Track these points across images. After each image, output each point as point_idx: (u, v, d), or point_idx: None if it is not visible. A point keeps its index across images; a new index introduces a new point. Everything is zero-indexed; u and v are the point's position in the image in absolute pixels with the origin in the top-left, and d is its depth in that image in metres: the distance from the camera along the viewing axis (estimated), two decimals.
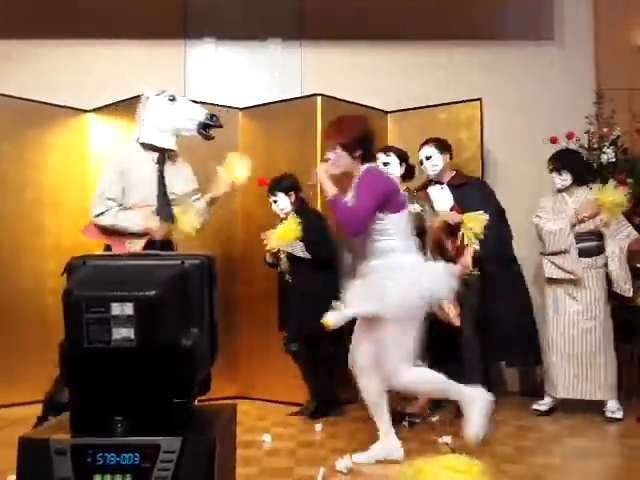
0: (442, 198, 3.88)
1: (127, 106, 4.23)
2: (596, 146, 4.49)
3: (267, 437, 3.36)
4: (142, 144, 3.54)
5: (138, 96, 4.10)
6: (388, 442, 2.99)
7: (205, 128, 3.51)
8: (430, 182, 4.03)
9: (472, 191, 3.98)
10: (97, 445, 1.58)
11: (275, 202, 3.95)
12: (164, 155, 3.54)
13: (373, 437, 3.11)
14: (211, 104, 4.49)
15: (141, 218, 3.41)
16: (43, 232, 4.32)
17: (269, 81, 4.95)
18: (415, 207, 3.68)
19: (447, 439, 3.30)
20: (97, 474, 1.57)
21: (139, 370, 1.57)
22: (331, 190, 2.91)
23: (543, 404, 4.00)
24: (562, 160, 3.97)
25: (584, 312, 3.87)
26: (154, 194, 3.45)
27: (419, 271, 2.89)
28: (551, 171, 3.99)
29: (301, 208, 3.94)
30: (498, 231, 3.93)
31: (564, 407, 3.97)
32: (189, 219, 3.47)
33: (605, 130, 4.50)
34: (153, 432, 1.59)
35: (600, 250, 3.91)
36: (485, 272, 3.86)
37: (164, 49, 4.87)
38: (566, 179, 3.95)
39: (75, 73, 4.72)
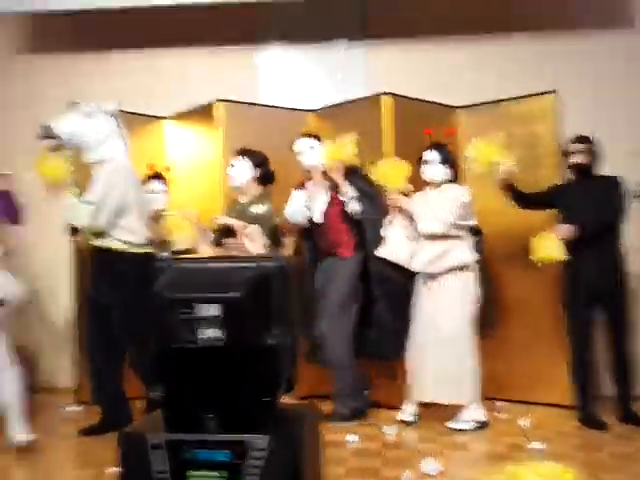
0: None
1: (201, 112, 4.39)
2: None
3: (353, 437, 3.36)
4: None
5: (212, 102, 4.24)
6: None
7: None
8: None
9: None
10: (190, 441, 1.64)
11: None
12: None
13: (458, 439, 3.06)
14: (280, 107, 4.57)
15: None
16: None
17: (334, 82, 4.95)
18: None
19: (538, 444, 3.20)
20: (190, 469, 1.64)
21: (226, 369, 1.62)
22: None
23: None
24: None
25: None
26: None
27: None
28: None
29: None
30: None
31: None
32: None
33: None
34: (242, 430, 1.64)
35: None
36: None
37: (235, 55, 4.97)
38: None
39: (148, 81, 4.88)
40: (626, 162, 4.24)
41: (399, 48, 4.86)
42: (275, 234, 3.72)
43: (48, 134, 3.43)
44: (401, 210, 3.70)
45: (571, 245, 3.53)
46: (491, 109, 4.43)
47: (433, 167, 3.73)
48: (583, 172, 3.73)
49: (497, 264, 4.15)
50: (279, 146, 3.95)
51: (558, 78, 4.50)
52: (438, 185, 3.76)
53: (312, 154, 3.86)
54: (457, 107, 4.56)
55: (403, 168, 3.67)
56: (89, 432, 3.48)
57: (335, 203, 3.83)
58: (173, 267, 1.69)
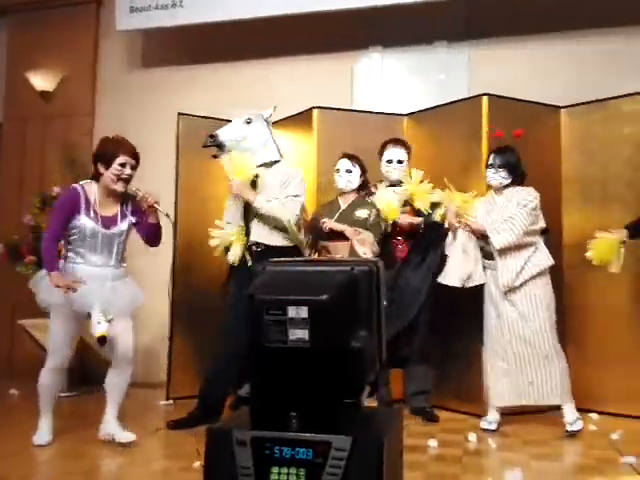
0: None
1: (299, 119, 4.47)
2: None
3: (433, 442, 3.34)
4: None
5: (309, 109, 4.32)
6: None
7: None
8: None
9: None
10: (274, 438, 1.69)
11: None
12: None
13: (543, 448, 2.97)
14: (377, 113, 4.59)
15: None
16: None
17: (436, 85, 4.92)
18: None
19: (631, 459, 3.05)
20: (274, 466, 1.68)
21: (312, 369, 1.65)
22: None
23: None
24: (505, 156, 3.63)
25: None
26: None
27: None
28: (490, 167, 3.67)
29: None
30: None
31: None
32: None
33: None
34: (325, 430, 1.66)
35: None
36: None
37: (333, 61, 5.06)
38: (505, 177, 3.65)
39: (250, 91, 5.04)
40: None
41: (502, 47, 4.79)
42: (384, 239, 3.85)
43: (215, 142, 3.67)
44: (471, 230, 3.66)
45: None
46: (597, 108, 4.26)
47: (496, 172, 3.65)
48: None
49: (591, 270, 3.97)
50: (372, 151, 3.99)
51: None
52: (501, 190, 3.68)
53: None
54: (561, 107, 4.42)
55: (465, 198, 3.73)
56: (178, 426, 3.61)
57: None
58: (268, 270, 1.75)
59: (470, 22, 4.85)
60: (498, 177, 3.65)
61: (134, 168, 3.30)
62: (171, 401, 4.38)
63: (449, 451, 3.24)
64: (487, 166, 3.70)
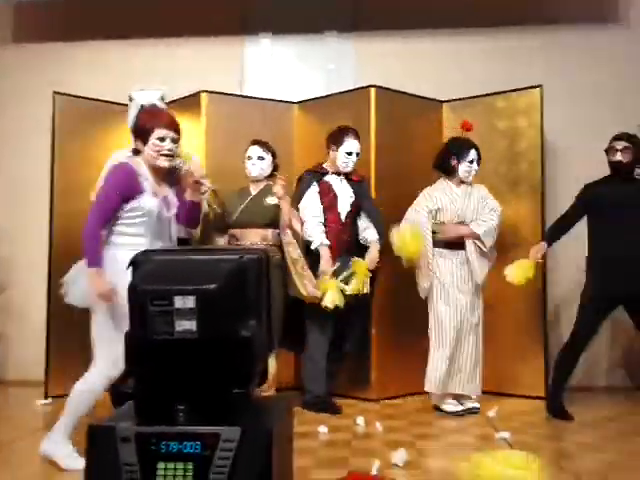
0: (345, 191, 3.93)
1: (186, 103, 4.34)
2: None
3: (323, 428, 3.38)
4: None
5: (197, 93, 4.20)
6: None
7: None
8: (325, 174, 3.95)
9: (362, 188, 4.00)
10: (160, 433, 1.64)
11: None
12: None
13: (430, 430, 3.10)
14: (267, 99, 4.56)
15: None
16: None
17: (324, 74, 4.96)
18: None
19: (505, 434, 3.26)
20: (160, 461, 1.63)
21: (200, 360, 1.62)
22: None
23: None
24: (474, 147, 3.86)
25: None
26: None
27: None
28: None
29: None
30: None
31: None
32: None
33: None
34: (213, 421, 1.63)
35: None
36: None
37: (222, 46, 4.95)
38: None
39: (134, 71, 4.82)
40: (603, 157, 4.31)
41: (388, 41, 4.87)
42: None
43: None
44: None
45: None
46: (476, 104, 4.48)
47: (474, 166, 3.82)
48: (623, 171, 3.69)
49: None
50: (262, 137, 3.94)
51: (542, 73, 4.55)
52: (460, 183, 3.86)
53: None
54: (443, 101, 4.59)
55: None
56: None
57: None
58: (152, 259, 1.68)
59: (358, 14, 4.92)
60: (473, 172, 3.83)
61: (176, 141, 2.89)
62: (50, 400, 4.15)
63: (339, 436, 3.30)
64: (467, 161, 3.79)
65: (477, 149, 3.84)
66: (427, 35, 4.88)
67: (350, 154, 3.87)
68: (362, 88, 4.31)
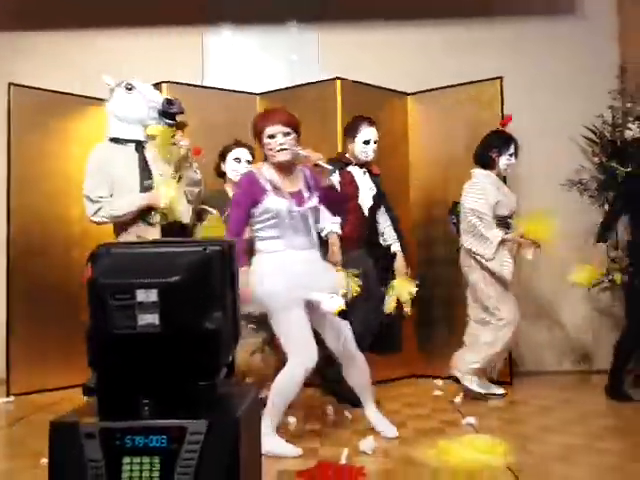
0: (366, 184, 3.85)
1: None
2: (620, 122, 4.41)
3: (292, 419, 3.39)
4: (113, 139, 3.49)
5: (158, 84, 4.14)
6: None
7: (165, 115, 3.42)
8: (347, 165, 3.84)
9: (379, 183, 3.94)
10: (125, 428, 1.61)
11: None
12: (141, 144, 3.49)
13: (397, 417, 3.14)
14: (229, 90, 4.52)
15: (137, 197, 3.38)
16: (68, 221, 4.39)
17: (287, 65, 4.93)
18: None
19: (471, 420, 3.31)
20: (126, 456, 1.61)
21: (165, 354, 1.60)
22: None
23: None
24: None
25: None
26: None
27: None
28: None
29: None
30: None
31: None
32: (168, 190, 3.38)
33: (629, 105, 4.41)
34: (180, 415, 1.62)
35: None
36: None
37: (182, 36, 4.88)
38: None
39: (93, 62, 4.74)
40: (563, 147, 4.40)
41: (352, 31, 4.86)
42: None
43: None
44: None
45: None
46: (440, 95, 4.51)
47: (514, 159, 3.93)
48: None
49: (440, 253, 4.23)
50: (225, 129, 3.91)
51: (505, 64, 4.61)
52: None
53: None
54: (408, 94, 4.61)
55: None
56: None
57: None
58: (113, 252, 1.65)
59: (322, 3, 4.89)
60: (513, 165, 3.94)
61: (289, 134, 2.92)
62: (12, 398, 4.07)
63: (309, 426, 3.31)
64: (508, 154, 3.88)
65: (516, 143, 3.92)
66: (391, 26, 4.89)
67: (367, 142, 3.76)
68: (328, 80, 4.29)
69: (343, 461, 2.68)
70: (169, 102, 3.40)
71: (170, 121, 3.41)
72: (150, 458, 1.61)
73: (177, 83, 4.25)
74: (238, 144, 3.77)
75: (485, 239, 3.74)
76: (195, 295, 1.60)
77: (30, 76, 4.46)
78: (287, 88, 4.51)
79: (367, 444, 2.86)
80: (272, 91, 4.56)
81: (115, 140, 3.48)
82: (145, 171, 3.44)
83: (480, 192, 3.83)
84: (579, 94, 4.66)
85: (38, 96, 4.30)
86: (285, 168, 2.95)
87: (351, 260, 3.48)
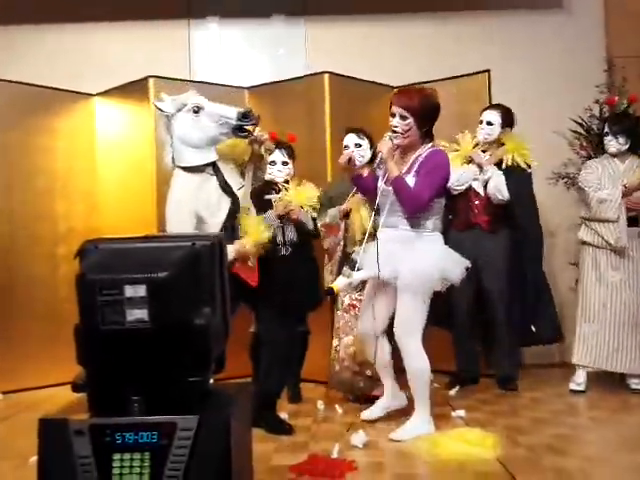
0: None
1: (133, 88, 4.24)
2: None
3: (283, 414, 3.38)
4: (184, 168, 3.11)
5: (145, 78, 4.10)
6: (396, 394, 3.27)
7: (240, 129, 3.09)
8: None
9: None
10: (115, 425, 1.61)
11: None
12: (215, 165, 3.14)
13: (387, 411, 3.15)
14: (216, 84, 4.49)
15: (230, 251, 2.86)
16: (54, 218, 4.35)
17: (274, 58, 4.91)
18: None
19: (461, 412, 3.33)
20: (116, 453, 1.60)
21: (154, 350, 1.59)
22: (396, 169, 2.95)
23: (581, 383, 3.81)
24: (623, 124, 3.84)
25: (626, 282, 3.77)
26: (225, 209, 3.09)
27: (440, 251, 3.01)
28: (607, 134, 3.86)
29: None
30: None
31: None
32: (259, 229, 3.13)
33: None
34: (170, 411, 1.61)
35: None
36: None
37: (168, 30, 4.84)
38: (623, 144, 3.82)
39: (78, 56, 4.70)
40: (549, 140, 4.41)
41: (339, 25, 4.83)
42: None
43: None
44: None
45: None
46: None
47: (614, 138, 3.83)
48: None
49: None
50: None
51: (487, 58, 4.60)
52: (623, 157, 3.88)
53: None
54: (395, 87, 4.59)
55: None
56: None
57: None
58: (101, 248, 1.63)
59: None
60: (616, 144, 3.81)
61: (403, 116, 2.95)
62: (0, 396, 4.03)
63: (299, 421, 3.30)
64: (604, 134, 3.84)
65: (616, 120, 3.86)
66: (379, 20, 4.87)
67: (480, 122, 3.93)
68: (316, 74, 4.28)
69: (335, 455, 2.68)
70: (244, 116, 3.09)
71: (243, 134, 3.12)
72: (140, 454, 1.60)
73: (164, 78, 4.21)
74: (350, 130, 3.72)
75: None
76: (184, 290, 1.59)
77: (10, 71, 4.37)
78: (276, 82, 4.48)
79: (358, 438, 2.87)
80: (261, 85, 4.54)
81: (185, 169, 3.11)
82: (226, 192, 3.13)
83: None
84: (566, 88, 4.67)
85: (20, 91, 4.22)
86: (402, 148, 3.05)
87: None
